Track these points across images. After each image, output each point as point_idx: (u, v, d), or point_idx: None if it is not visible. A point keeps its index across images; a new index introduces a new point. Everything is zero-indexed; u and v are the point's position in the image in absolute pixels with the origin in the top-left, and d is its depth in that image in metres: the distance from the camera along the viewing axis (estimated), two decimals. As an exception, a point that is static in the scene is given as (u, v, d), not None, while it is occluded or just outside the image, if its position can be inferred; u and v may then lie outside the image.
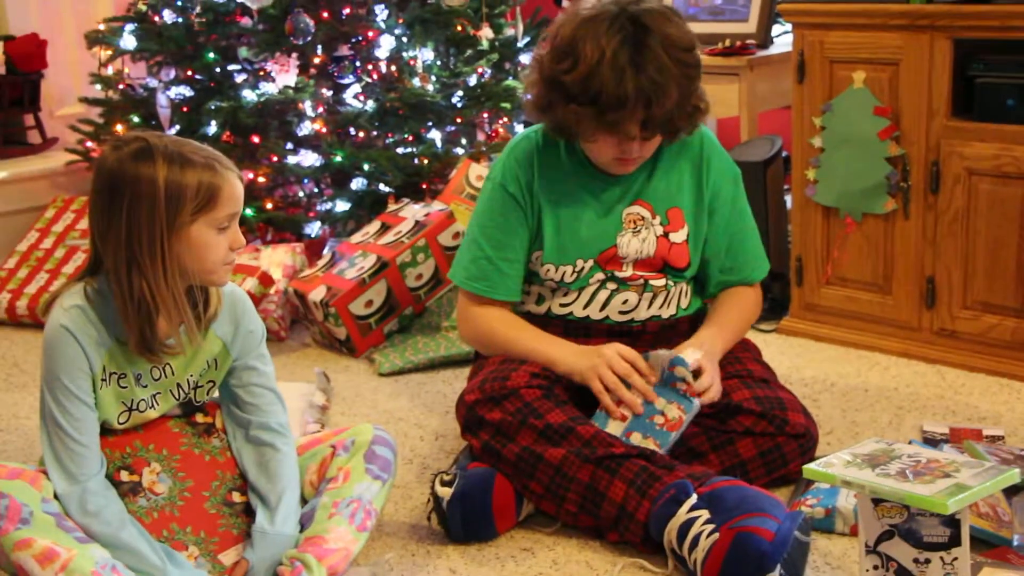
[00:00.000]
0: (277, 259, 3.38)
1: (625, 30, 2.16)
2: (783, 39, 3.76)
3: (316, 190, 3.74)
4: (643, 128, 2.20)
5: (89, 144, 3.90)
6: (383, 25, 3.65)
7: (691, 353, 2.22)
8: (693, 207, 2.38)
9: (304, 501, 2.08)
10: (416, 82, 3.68)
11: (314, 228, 3.64)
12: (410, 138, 3.73)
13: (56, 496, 1.87)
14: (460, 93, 3.81)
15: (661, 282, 2.36)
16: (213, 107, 3.55)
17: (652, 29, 2.17)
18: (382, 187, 3.63)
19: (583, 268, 2.35)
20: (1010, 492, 2.00)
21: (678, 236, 2.36)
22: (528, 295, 2.43)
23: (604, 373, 2.22)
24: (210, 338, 2.02)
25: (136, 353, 1.92)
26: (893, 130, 2.90)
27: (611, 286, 2.35)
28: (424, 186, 3.66)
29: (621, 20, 2.17)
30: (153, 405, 2.00)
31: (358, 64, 3.67)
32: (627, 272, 2.35)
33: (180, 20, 3.67)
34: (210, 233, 1.89)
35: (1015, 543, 1.96)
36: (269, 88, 3.56)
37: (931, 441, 2.44)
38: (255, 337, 2.08)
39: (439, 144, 3.76)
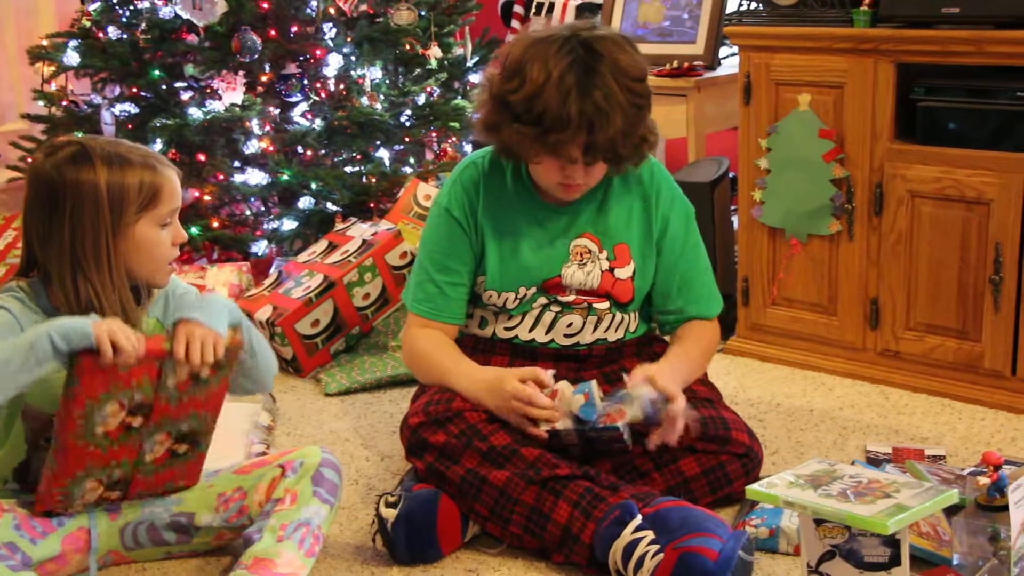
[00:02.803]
0: (223, 278, 3.35)
1: (575, 53, 2.15)
2: (730, 61, 3.79)
3: (263, 209, 3.72)
4: (585, 152, 2.19)
5: (31, 161, 3.85)
6: (331, 44, 3.64)
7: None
8: (641, 243, 2.37)
9: (250, 521, 2.06)
10: (364, 101, 3.67)
11: (261, 247, 3.61)
12: (358, 157, 3.72)
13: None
14: (408, 112, 3.81)
15: (605, 305, 2.36)
16: (158, 124, 3.52)
17: (603, 55, 2.16)
18: (329, 206, 3.62)
19: (526, 295, 2.34)
20: (950, 511, 2.02)
21: (623, 272, 2.36)
22: (471, 318, 2.42)
23: (512, 408, 2.17)
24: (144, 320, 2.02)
25: None
26: (837, 152, 2.93)
27: (555, 308, 2.35)
28: (372, 205, 3.65)
29: (572, 43, 2.17)
30: None
31: (306, 82, 3.66)
32: (570, 297, 2.35)
33: (125, 36, 3.64)
34: (154, 230, 1.93)
35: (955, 562, 1.98)
36: (216, 106, 3.53)
37: (874, 461, 2.46)
38: (189, 295, 2.08)
39: (387, 163, 3.76)
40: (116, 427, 1.89)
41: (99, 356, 1.77)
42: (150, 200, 1.91)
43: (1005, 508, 1.89)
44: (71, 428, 1.84)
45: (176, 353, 1.84)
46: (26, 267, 1.94)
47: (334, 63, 3.65)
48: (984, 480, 1.99)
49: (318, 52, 3.63)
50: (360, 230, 3.32)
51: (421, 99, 3.82)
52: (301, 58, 3.65)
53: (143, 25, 3.60)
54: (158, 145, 3.52)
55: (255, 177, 3.57)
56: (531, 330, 2.36)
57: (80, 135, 1.99)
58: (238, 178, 3.57)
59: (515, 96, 2.18)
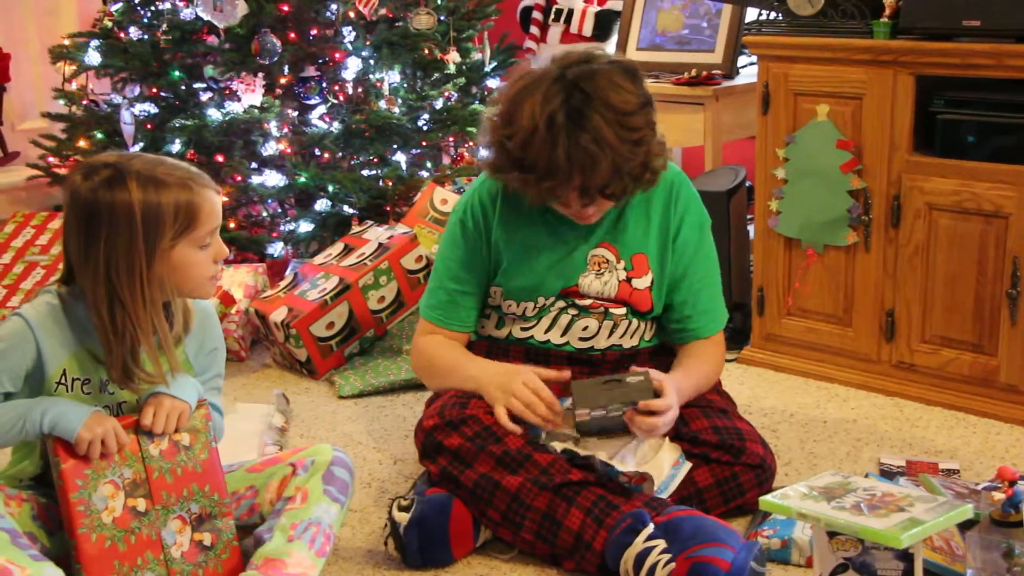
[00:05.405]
0: (239, 279, 3.36)
1: (562, 95, 2.12)
2: (749, 70, 3.78)
3: (280, 210, 3.72)
4: (581, 195, 2.18)
5: (51, 159, 3.88)
6: (350, 47, 3.66)
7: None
8: (659, 252, 2.36)
9: (261, 519, 2.06)
10: (382, 104, 3.68)
11: (277, 248, 3.62)
12: (375, 160, 3.73)
13: (9, 513, 1.85)
14: (426, 116, 3.82)
15: (621, 311, 2.36)
16: (178, 125, 3.54)
17: (591, 94, 2.12)
18: (346, 209, 3.63)
19: (544, 304, 2.35)
20: (964, 526, 2.01)
21: (641, 283, 2.35)
22: (488, 318, 2.43)
23: (511, 401, 2.21)
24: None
25: (118, 384, 1.92)
26: (855, 164, 2.92)
27: (572, 312, 2.35)
28: (388, 209, 3.66)
29: (560, 84, 2.13)
30: (118, 414, 1.98)
31: (324, 85, 3.67)
32: (588, 300, 2.35)
33: (146, 37, 3.66)
34: (193, 252, 1.91)
35: (968, 577, 1.97)
36: (234, 107, 3.55)
37: (888, 474, 2.45)
38: (217, 355, 2.09)
39: (404, 167, 3.76)
40: (122, 512, 1.89)
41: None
42: (188, 224, 1.87)
43: (1020, 524, 1.89)
44: (76, 519, 1.84)
45: (143, 421, 1.92)
46: (68, 276, 1.93)
47: (353, 66, 3.66)
48: (999, 495, 1.98)
49: (337, 55, 3.64)
50: (376, 233, 3.33)
51: (439, 103, 3.83)
52: (320, 61, 3.67)
53: (164, 26, 3.62)
54: (176, 146, 3.54)
55: (272, 179, 3.58)
56: (547, 331, 2.37)
57: (117, 153, 1.96)
58: (255, 179, 3.58)
59: (510, 143, 2.17)
